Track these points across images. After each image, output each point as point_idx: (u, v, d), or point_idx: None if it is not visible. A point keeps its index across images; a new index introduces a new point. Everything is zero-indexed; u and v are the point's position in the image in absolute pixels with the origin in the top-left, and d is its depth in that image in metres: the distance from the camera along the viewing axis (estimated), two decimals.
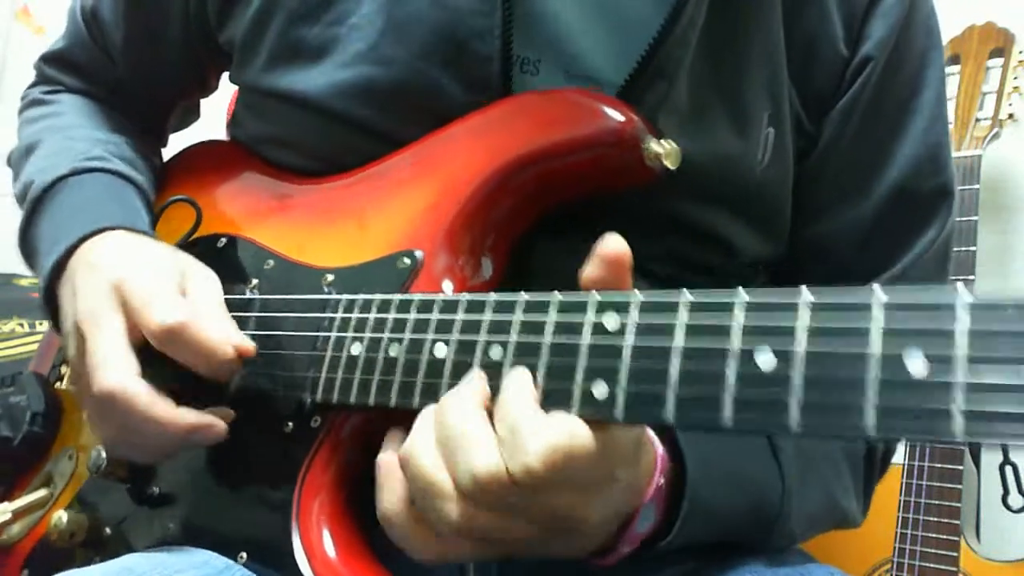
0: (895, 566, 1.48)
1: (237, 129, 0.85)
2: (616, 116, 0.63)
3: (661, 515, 0.57)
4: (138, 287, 0.63)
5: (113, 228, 0.71)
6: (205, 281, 0.67)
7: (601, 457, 0.48)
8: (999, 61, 1.62)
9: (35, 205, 0.77)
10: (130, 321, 0.63)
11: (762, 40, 0.71)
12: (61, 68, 0.91)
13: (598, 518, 0.51)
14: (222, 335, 0.63)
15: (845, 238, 0.76)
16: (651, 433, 0.57)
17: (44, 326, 1.52)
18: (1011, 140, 1.64)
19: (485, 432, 0.49)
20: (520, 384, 0.50)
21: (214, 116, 1.06)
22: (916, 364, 0.38)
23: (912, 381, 0.38)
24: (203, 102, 0.98)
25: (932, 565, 1.46)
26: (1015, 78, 1.61)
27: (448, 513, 0.49)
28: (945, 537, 1.46)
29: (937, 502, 1.47)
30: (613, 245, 0.51)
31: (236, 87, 0.84)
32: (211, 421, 0.63)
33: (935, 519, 1.47)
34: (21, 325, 1.54)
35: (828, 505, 0.72)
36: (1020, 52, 1.61)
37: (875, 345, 0.40)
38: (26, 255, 0.78)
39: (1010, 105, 1.60)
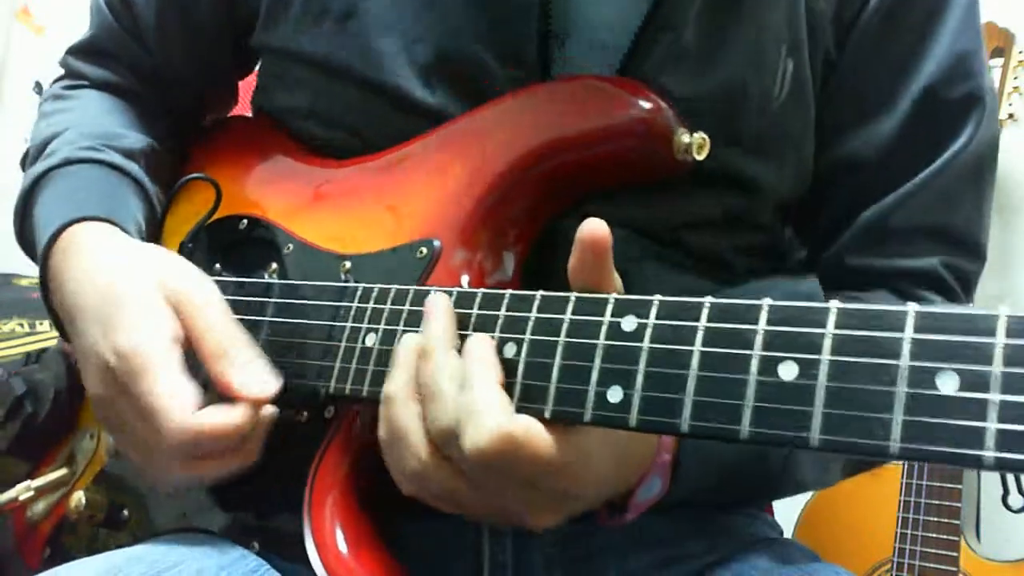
0: (895, 566, 1.48)
1: (262, 98, 0.83)
2: (646, 105, 0.62)
3: (668, 481, 0.59)
4: (131, 364, 0.59)
5: (88, 219, 0.70)
6: (202, 302, 0.63)
7: (559, 467, 0.49)
8: (999, 61, 1.63)
9: (26, 198, 0.76)
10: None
11: None
12: (87, 58, 0.89)
13: (556, 518, 0.53)
14: (234, 417, 0.59)
15: (869, 155, 0.74)
16: None
17: (44, 326, 1.51)
18: (1011, 140, 1.64)
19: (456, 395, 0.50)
20: (483, 354, 0.51)
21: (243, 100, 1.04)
22: (948, 380, 0.38)
23: (943, 397, 0.37)
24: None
25: (932, 565, 1.46)
26: (1015, 78, 1.61)
27: (409, 463, 0.52)
28: (945, 537, 1.46)
29: (937, 502, 1.48)
30: (591, 228, 0.51)
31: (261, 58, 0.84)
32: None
33: (935, 519, 1.47)
34: (21, 325, 1.53)
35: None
36: (1020, 52, 1.62)
37: (904, 358, 0.39)
38: (25, 249, 0.78)
39: (1010, 105, 1.61)
